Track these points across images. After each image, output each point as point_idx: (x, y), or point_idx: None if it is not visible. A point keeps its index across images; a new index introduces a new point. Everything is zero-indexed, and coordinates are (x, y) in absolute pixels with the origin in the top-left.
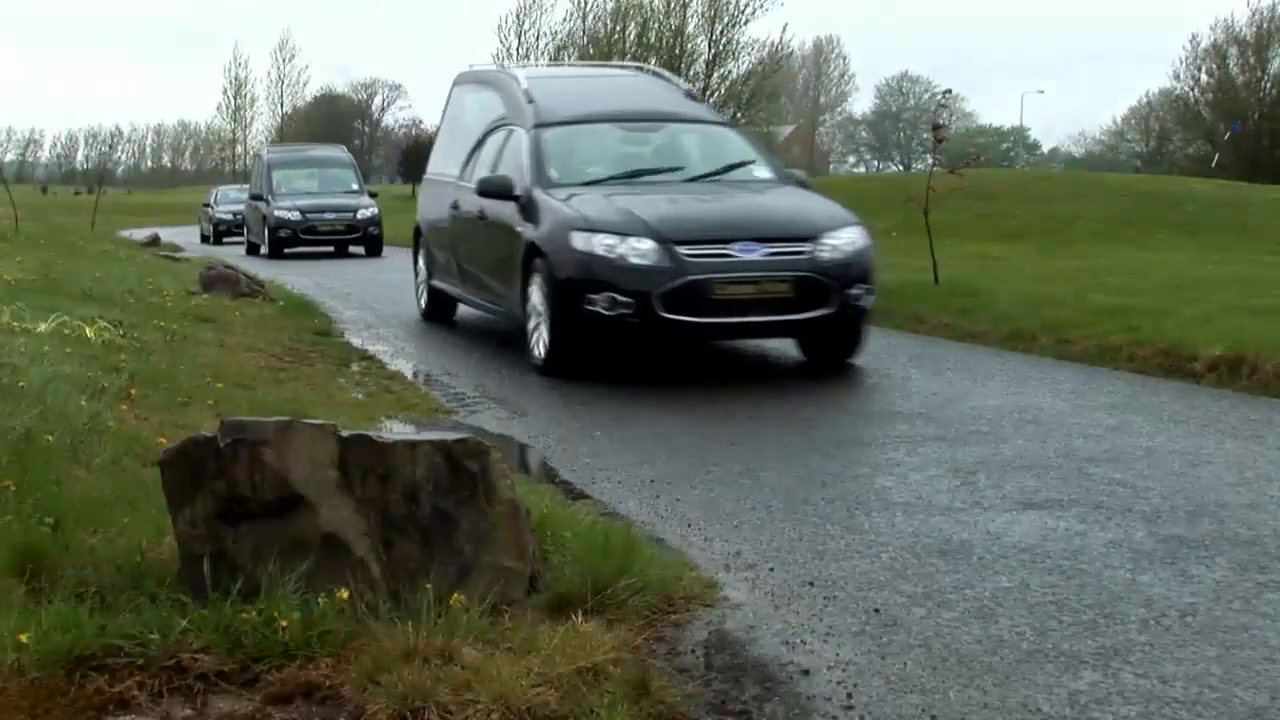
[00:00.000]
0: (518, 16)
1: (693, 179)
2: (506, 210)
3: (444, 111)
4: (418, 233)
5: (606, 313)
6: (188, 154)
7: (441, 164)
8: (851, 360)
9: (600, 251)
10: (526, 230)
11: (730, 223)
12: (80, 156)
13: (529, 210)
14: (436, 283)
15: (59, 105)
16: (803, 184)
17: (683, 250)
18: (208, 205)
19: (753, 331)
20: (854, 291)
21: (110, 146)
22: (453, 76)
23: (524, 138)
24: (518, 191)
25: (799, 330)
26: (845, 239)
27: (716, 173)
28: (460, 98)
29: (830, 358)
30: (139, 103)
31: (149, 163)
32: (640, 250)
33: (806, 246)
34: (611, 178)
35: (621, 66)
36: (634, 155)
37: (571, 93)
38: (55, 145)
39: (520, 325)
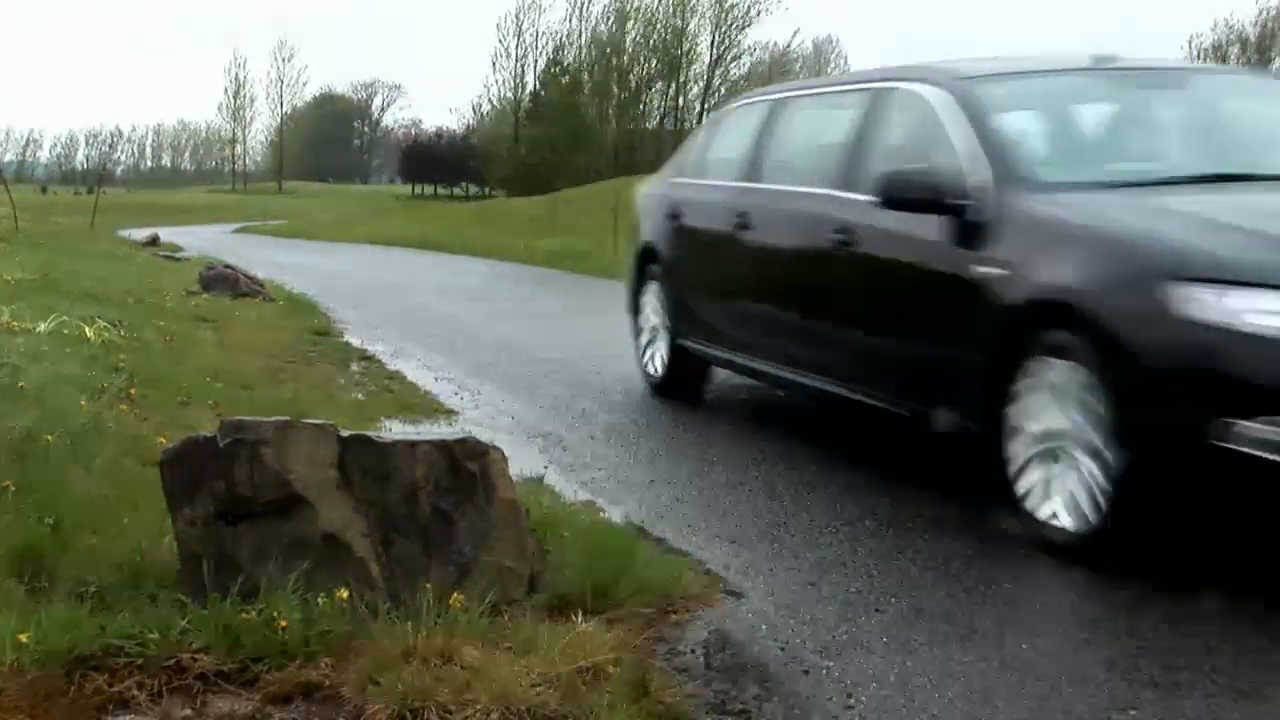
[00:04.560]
0: (517, 16)
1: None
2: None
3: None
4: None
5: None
6: (187, 154)
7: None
8: None
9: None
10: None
11: None
12: (80, 156)
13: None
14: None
15: (59, 105)
16: None
17: None
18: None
19: None
20: None
21: (110, 146)
22: (453, 75)
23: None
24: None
25: None
26: None
27: None
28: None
29: None
30: (139, 103)
31: (149, 163)
32: None
33: None
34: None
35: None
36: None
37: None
38: (55, 145)
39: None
